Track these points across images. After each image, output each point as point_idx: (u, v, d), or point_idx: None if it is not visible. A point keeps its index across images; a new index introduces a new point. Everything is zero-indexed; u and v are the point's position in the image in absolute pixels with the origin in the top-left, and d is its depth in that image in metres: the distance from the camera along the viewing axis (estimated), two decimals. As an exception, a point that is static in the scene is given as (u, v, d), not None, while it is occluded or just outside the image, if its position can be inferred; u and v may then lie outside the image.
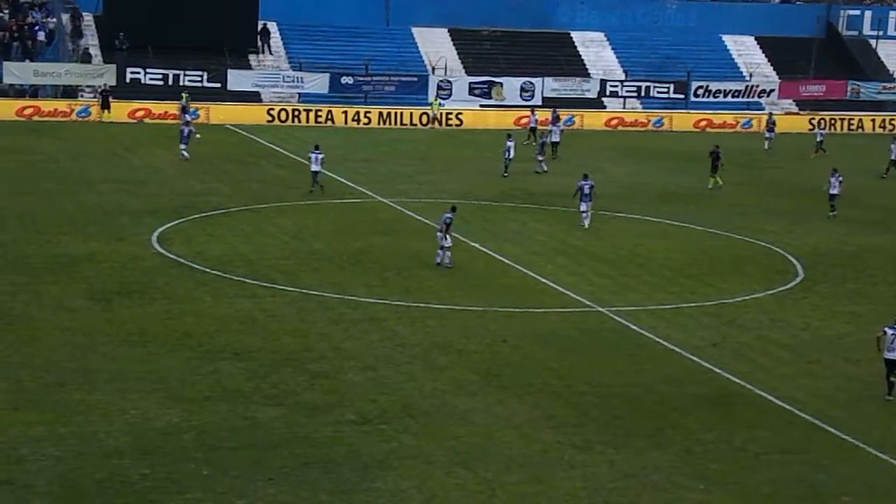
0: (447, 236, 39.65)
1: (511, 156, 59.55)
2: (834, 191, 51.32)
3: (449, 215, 39.94)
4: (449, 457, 24.27)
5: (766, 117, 78.22)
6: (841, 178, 51.56)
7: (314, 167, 52.01)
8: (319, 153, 52.13)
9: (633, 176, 59.85)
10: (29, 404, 26.07)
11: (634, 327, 33.96)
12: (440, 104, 79.73)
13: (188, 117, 67.68)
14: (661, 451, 25.02)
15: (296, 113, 77.73)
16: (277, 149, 66.37)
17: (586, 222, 46.88)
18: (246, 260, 39.95)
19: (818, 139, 72.00)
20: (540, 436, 25.63)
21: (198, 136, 61.30)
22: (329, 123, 77.60)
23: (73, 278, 36.62)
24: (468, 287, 37.80)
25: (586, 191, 47.10)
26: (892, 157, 63.34)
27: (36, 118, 72.80)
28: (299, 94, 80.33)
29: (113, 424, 25.13)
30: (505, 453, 24.58)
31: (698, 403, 27.95)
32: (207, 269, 38.44)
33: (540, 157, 61.14)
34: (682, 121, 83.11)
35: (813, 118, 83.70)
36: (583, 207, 46.91)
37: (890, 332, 28.50)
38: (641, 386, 28.95)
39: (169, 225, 44.38)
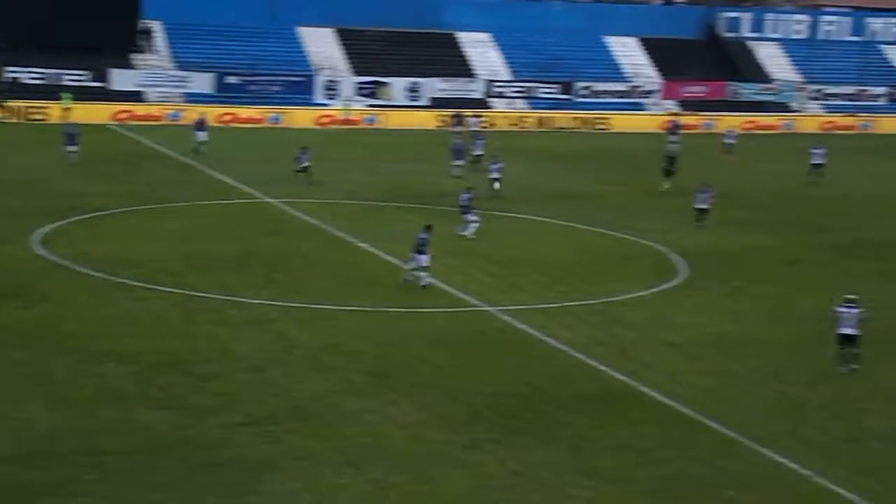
0: (418, 255, 37.62)
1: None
2: (703, 206, 50.04)
3: (423, 236, 37.93)
4: (338, 457, 24.24)
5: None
6: (713, 195, 50.17)
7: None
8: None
9: (520, 177, 60.21)
10: None
11: (523, 326, 34.23)
12: (348, 105, 79.84)
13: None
14: (550, 448, 25.27)
15: (182, 112, 76.88)
16: (162, 149, 65.62)
17: (469, 231, 45.59)
18: (131, 262, 39.41)
19: (728, 141, 71.77)
20: (429, 435, 25.72)
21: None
22: (217, 123, 76.85)
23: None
24: (357, 288, 37.76)
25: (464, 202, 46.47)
26: (813, 162, 63.30)
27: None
28: (184, 93, 79.51)
29: (-5, 430, 24.68)
30: (394, 453, 24.63)
31: (586, 401, 28.28)
32: (91, 272, 37.88)
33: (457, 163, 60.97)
34: (567, 121, 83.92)
35: (699, 117, 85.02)
36: (470, 218, 45.87)
37: (840, 310, 30.78)
38: (530, 384, 29.20)
39: (51, 226, 43.63)
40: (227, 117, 77.56)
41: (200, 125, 64.07)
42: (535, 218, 50.16)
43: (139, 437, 24.84)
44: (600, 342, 33.10)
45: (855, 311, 30.77)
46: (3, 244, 40.84)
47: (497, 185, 54.67)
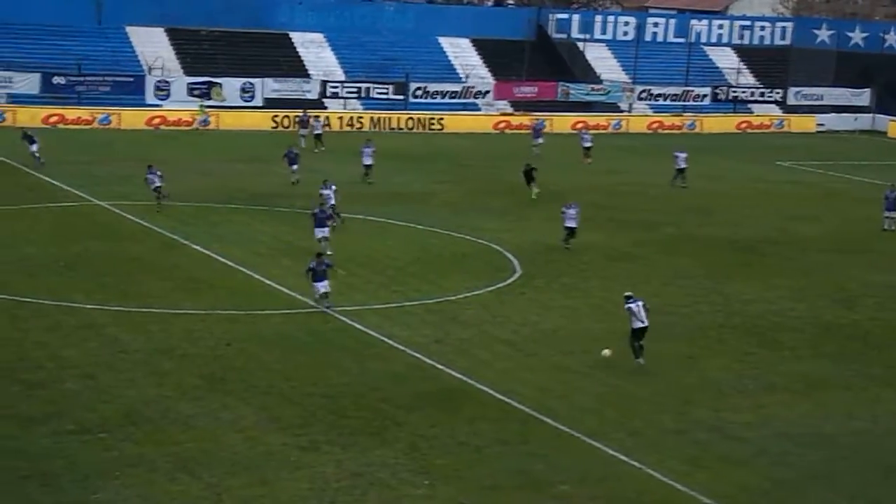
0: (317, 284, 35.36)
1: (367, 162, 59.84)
2: (571, 224, 45.73)
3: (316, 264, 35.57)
4: (173, 463, 23.94)
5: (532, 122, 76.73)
6: (578, 209, 46.30)
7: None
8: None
9: (354, 176, 60.20)
10: None
11: (359, 326, 34.26)
12: (203, 107, 78.63)
13: None
14: (387, 448, 25.35)
15: (6, 112, 74.89)
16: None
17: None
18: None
19: (586, 144, 70.76)
20: (265, 438, 25.57)
21: None
22: (43, 124, 75.05)
23: None
24: (191, 290, 37.32)
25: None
26: (678, 166, 63.46)
27: None
28: (8, 94, 77.41)
29: None
30: (230, 457, 24.42)
31: (422, 399, 28.44)
32: None
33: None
34: (402, 121, 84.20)
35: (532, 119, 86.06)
36: (320, 234, 42.33)
37: (632, 305, 31.46)
38: (367, 384, 29.25)
39: None
40: (55, 118, 75.82)
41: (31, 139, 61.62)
42: (370, 218, 50.20)
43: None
44: (437, 340, 33.32)
45: (639, 303, 31.54)
46: None
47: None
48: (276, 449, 25.02)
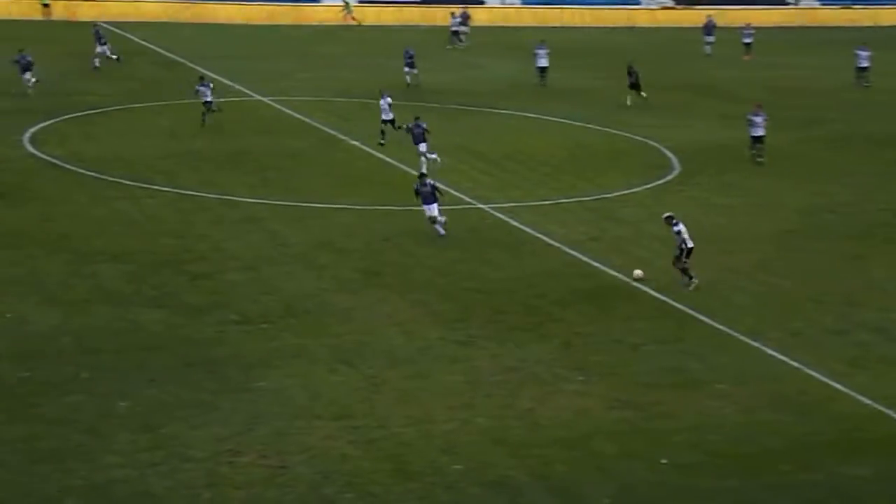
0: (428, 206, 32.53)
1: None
2: (759, 132, 42.44)
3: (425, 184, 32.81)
4: (332, 354, 24.39)
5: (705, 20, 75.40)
6: (766, 117, 42.59)
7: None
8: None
9: (512, 72, 59.87)
10: None
11: (515, 223, 34.25)
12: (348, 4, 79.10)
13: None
14: (542, 344, 25.42)
15: (170, 10, 76.13)
16: (152, 46, 65.06)
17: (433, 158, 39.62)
18: (123, 160, 39.33)
19: (746, 40, 69.40)
20: (422, 332, 25.86)
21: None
22: (205, 21, 76.14)
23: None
24: (349, 186, 37.71)
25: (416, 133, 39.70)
26: (859, 65, 61.16)
27: None
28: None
29: (-12, 329, 24.80)
30: (387, 350, 24.78)
31: (578, 297, 28.39)
32: (84, 171, 37.79)
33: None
34: (562, 16, 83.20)
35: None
36: (422, 148, 39.56)
37: (680, 227, 29.05)
38: (522, 281, 29.28)
39: (42, 125, 43.42)
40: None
41: None
42: (525, 114, 49.92)
43: (134, 335, 24.97)
44: (593, 238, 33.15)
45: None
46: (-7, 144, 40.69)
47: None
48: (433, 342, 25.29)
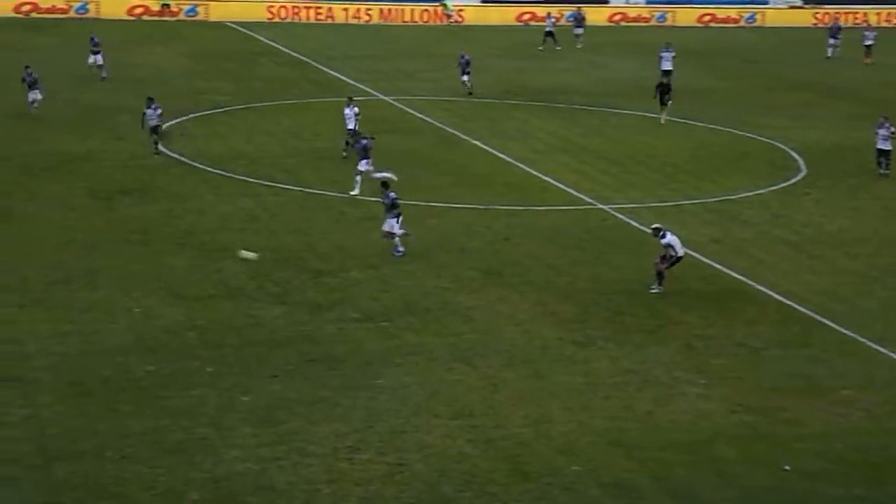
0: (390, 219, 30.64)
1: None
2: (884, 145, 39.90)
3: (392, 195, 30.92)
4: (451, 353, 24.45)
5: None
6: (893, 129, 39.76)
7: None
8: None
9: (634, 72, 59.42)
10: (34, 302, 26.21)
11: (636, 224, 33.98)
12: (451, 3, 79.14)
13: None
14: (662, 346, 25.19)
15: (295, 10, 77.02)
16: (277, 46, 65.89)
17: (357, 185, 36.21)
18: (247, 158, 39.89)
19: (867, 42, 66.91)
20: (541, 332, 25.79)
21: None
22: (329, 20, 76.90)
23: (73, 177, 36.60)
24: (469, 185, 37.77)
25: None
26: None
27: (34, 15, 72.23)
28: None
29: (117, 322, 25.29)
30: (506, 349, 24.76)
31: (699, 299, 28.08)
32: (209, 168, 38.41)
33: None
34: (686, 16, 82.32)
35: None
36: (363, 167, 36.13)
37: (671, 238, 28.15)
38: (642, 282, 29.03)
39: (169, 124, 44.20)
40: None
41: None
42: (648, 115, 49.49)
43: (257, 331, 25.31)
44: (716, 240, 32.75)
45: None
46: (121, 141, 41.51)
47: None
48: (552, 343, 25.21)
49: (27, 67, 44.77)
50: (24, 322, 25.04)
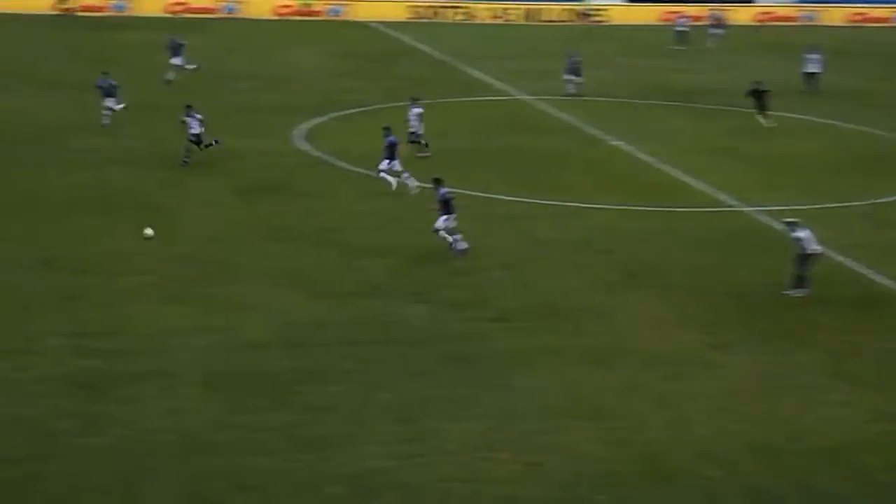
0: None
1: None
2: None
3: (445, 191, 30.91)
4: (588, 354, 24.27)
5: None
6: None
7: None
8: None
9: (779, 73, 58.38)
10: (177, 297, 26.71)
11: (778, 227, 33.32)
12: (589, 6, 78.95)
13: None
14: (804, 351, 24.66)
15: (437, 10, 77.40)
16: (418, 46, 66.28)
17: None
18: (388, 157, 40.09)
19: None
20: (680, 335, 25.46)
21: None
22: (470, 20, 77.14)
23: (217, 174, 37.24)
24: (609, 186, 37.51)
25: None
26: None
27: (184, 14, 73.84)
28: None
29: (258, 318, 25.63)
30: (644, 352, 24.48)
31: (844, 304, 27.43)
32: (350, 167, 38.76)
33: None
34: (835, 15, 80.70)
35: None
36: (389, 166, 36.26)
37: (802, 233, 27.71)
38: (783, 286, 28.44)
39: (311, 122, 44.77)
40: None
41: None
42: (793, 116, 48.58)
43: (395, 328, 25.44)
44: (863, 245, 31.97)
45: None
46: (265, 139, 42.13)
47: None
48: (690, 346, 24.85)
49: (105, 74, 43.49)
50: (165, 316, 25.54)
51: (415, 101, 40.81)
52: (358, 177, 37.67)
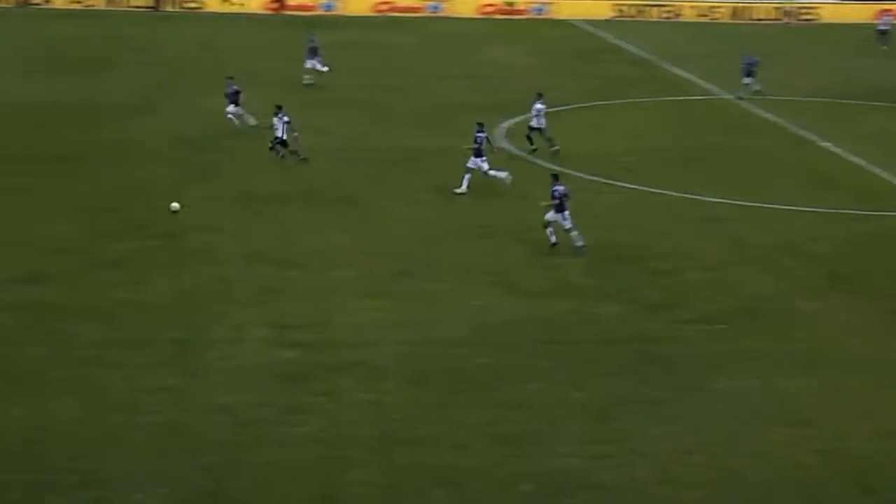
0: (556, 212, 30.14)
1: None
2: None
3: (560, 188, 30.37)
4: (790, 359, 23.73)
5: None
6: None
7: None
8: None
9: None
10: (378, 291, 27.11)
11: None
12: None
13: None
14: None
15: (641, 8, 76.74)
16: (622, 44, 65.83)
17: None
18: (588, 156, 39.95)
19: None
20: (889, 342, 24.68)
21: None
22: (676, 18, 76.25)
23: (419, 171, 37.63)
24: (815, 188, 36.59)
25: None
26: None
27: (390, 14, 74.95)
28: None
29: (456, 314, 25.81)
30: (850, 358, 23.80)
31: None
32: (549, 165, 38.69)
33: None
34: None
35: None
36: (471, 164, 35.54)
37: None
38: None
39: (512, 121, 44.85)
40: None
41: None
42: None
43: (592, 327, 25.32)
44: None
45: None
46: (467, 138, 42.32)
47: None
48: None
49: (230, 79, 42.00)
50: (367, 310, 25.93)
51: (540, 97, 40.40)
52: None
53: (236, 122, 41.22)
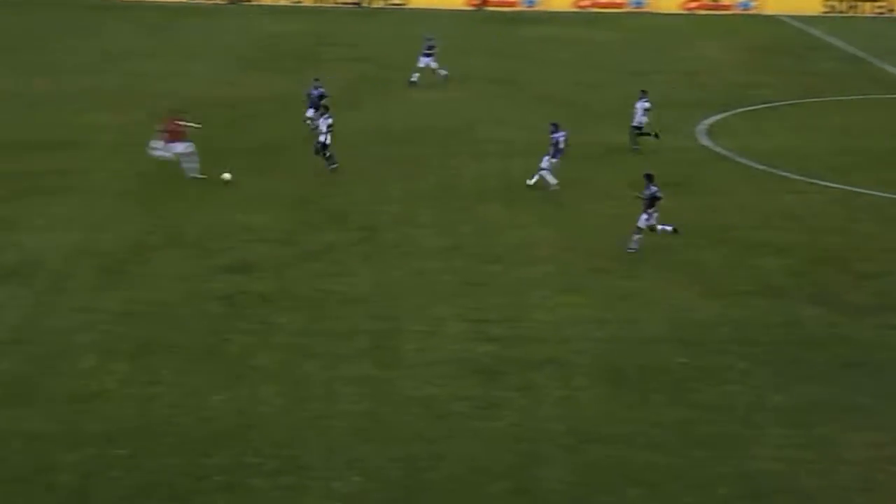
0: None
1: None
2: None
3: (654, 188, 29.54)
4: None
5: None
6: None
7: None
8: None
9: None
10: (575, 288, 27.09)
11: None
12: None
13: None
14: None
15: (853, 4, 74.67)
16: (832, 41, 64.19)
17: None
18: (793, 155, 39.12)
19: None
20: None
21: None
22: (890, 14, 73.97)
23: (616, 168, 37.38)
24: None
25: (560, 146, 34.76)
26: None
27: (593, 9, 74.71)
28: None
29: (654, 313, 25.62)
30: None
31: None
32: (753, 164, 38.06)
33: None
34: None
35: None
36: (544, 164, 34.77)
37: None
38: None
39: (716, 118, 44.24)
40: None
41: None
42: None
43: (791, 330, 24.83)
44: None
45: None
46: (670, 134, 41.93)
47: None
48: None
49: (316, 80, 40.39)
50: (563, 306, 25.95)
51: (644, 94, 39.43)
52: (762, 174, 36.92)
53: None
